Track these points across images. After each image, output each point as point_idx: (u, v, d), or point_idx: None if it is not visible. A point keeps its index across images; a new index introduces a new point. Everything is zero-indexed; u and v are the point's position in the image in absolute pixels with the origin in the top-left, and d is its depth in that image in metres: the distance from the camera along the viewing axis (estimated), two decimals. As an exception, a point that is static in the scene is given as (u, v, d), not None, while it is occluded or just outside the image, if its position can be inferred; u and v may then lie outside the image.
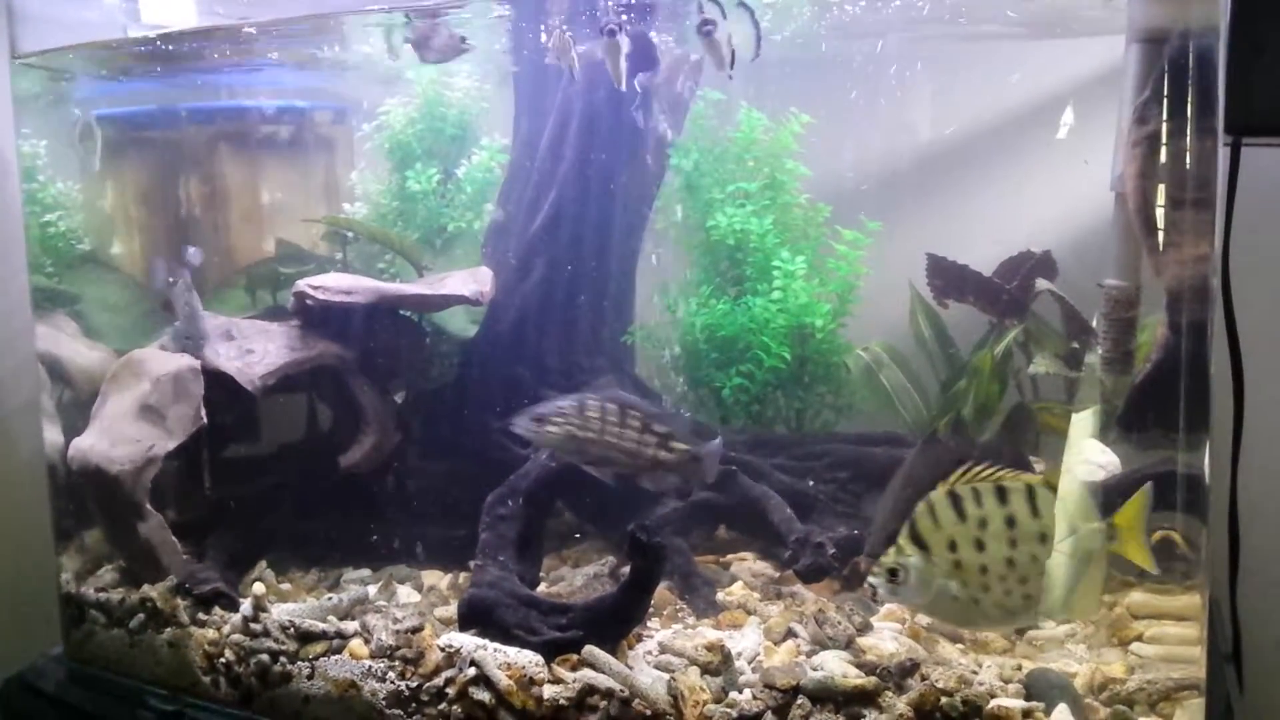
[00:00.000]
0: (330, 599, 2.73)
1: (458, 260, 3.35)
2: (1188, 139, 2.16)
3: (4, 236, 3.38)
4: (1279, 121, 2.23)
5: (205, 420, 2.80)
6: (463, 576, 2.88)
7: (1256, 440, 2.48)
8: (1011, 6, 2.73)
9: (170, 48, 3.20)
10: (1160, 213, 2.27)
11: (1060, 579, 2.57)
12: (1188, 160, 2.17)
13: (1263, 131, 2.19)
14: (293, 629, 2.55)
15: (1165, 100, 2.21)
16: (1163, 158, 2.24)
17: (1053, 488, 1.96)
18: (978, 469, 1.98)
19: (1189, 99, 2.11)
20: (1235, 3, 2.03)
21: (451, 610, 2.61)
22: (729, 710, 2.14)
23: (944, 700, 2.04)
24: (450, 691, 2.32)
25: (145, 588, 2.76)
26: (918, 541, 2.00)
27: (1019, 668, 2.22)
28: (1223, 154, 2.20)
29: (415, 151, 3.46)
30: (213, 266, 3.45)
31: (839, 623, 2.38)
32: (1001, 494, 1.96)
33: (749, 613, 2.59)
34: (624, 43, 2.53)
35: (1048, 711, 2.04)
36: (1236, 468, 2.49)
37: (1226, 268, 2.32)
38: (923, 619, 2.51)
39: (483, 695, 2.27)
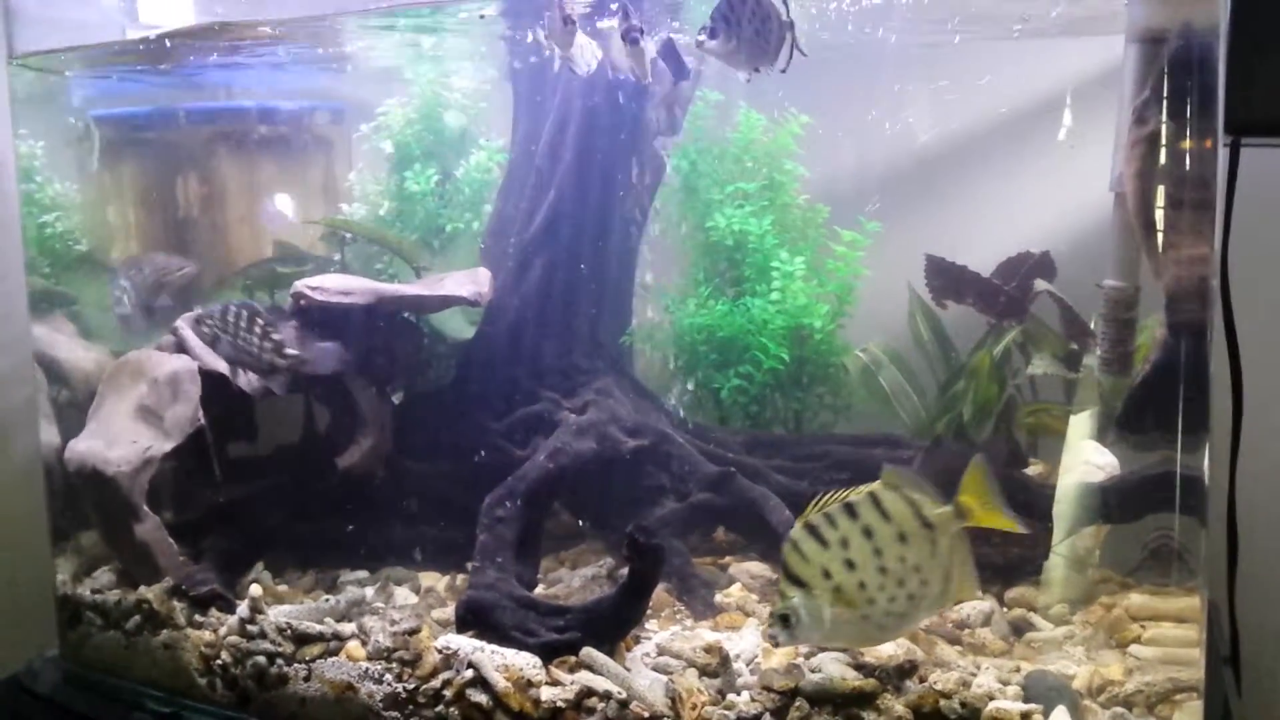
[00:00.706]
0: (327, 601, 2.73)
1: (456, 261, 3.34)
2: (1187, 139, 2.15)
3: (1, 238, 3.37)
4: (1279, 121, 2.23)
5: (202, 421, 2.80)
6: (460, 578, 2.88)
7: (1255, 442, 2.48)
8: (1011, 5, 2.72)
9: (169, 46, 3.19)
10: (1159, 213, 2.27)
11: (1058, 579, 2.57)
12: (1187, 161, 2.16)
13: (1263, 131, 2.18)
14: (289, 631, 2.55)
15: (1164, 100, 2.20)
16: (1162, 158, 2.24)
17: (893, 487, 1.99)
18: (824, 497, 2.02)
19: (1188, 99, 2.11)
20: (1235, 2, 2.02)
21: (449, 612, 2.61)
22: (727, 712, 2.14)
23: (942, 702, 2.04)
24: (447, 693, 2.31)
25: (142, 589, 2.75)
26: (795, 581, 2.02)
27: (1017, 670, 2.22)
28: (1222, 154, 2.19)
29: (414, 152, 3.46)
30: (210, 267, 3.44)
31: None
32: (850, 510, 1.99)
33: (747, 614, 2.59)
34: (649, 48, 2.49)
35: (1046, 714, 2.03)
36: (1235, 469, 2.49)
37: (1226, 268, 2.31)
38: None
39: (480, 697, 2.26)
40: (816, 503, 2.02)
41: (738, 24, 2.23)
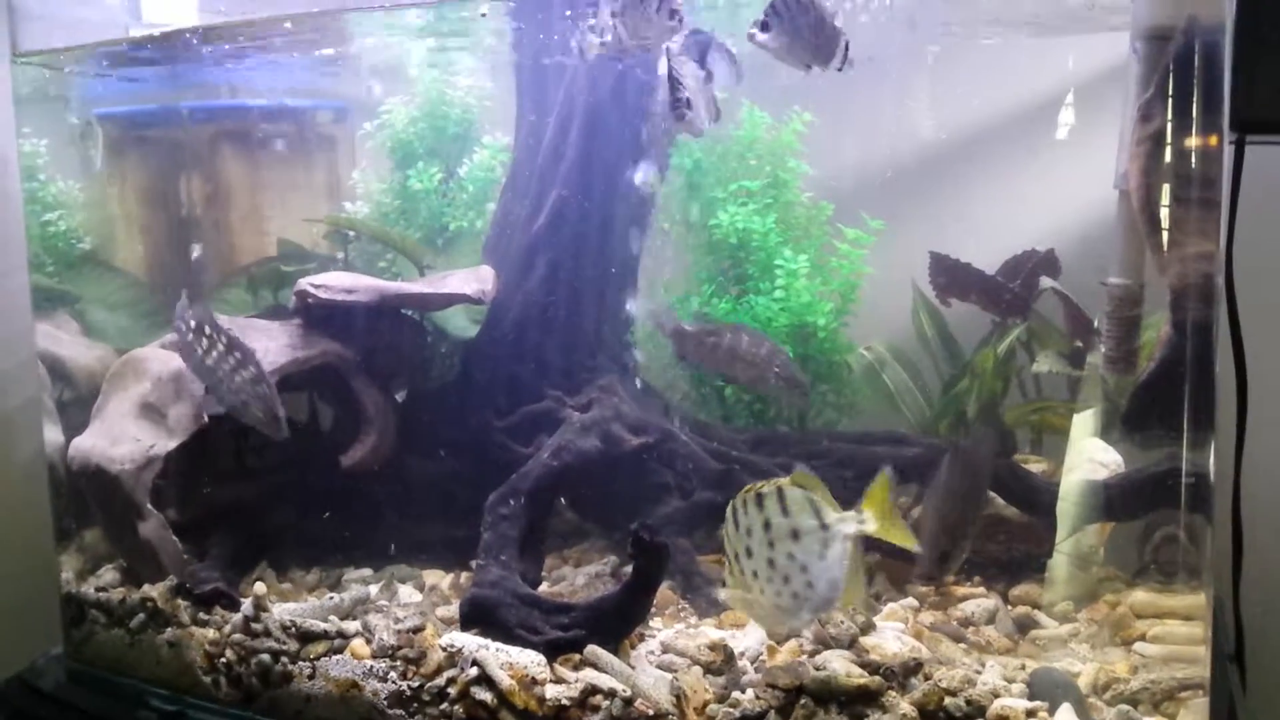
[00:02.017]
0: (331, 599, 2.73)
1: (460, 260, 3.34)
2: (1192, 136, 2.15)
3: (4, 235, 3.37)
4: (1284, 119, 2.22)
5: (206, 419, 2.80)
6: (464, 576, 2.88)
7: (1260, 439, 2.48)
8: (1017, 4, 2.72)
9: (172, 45, 3.19)
10: (1164, 211, 2.26)
11: (1062, 576, 2.57)
12: (1192, 158, 2.16)
13: (1267, 129, 2.18)
14: (294, 629, 2.55)
15: (1170, 98, 2.20)
16: (1167, 156, 2.23)
17: (800, 486, 2.01)
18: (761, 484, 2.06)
19: (1194, 96, 2.11)
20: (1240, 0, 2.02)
21: (453, 610, 2.61)
22: (731, 710, 2.14)
23: (948, 700, 2.04)
24: (452, 691, 2.31)
25: (146, 587, 2.75)
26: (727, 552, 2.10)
27: (1023, 667, 2.22)
28: (1227, 151, 2.19)
29: (417, 150, 3.46)
30: (214, 265, 3.45)
31: (842, 622, 2.37)
32: (759, 500, 2.02)
33: (751, 612, 2.59)
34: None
35: (1051, 711, 2.03)
36: (1240, 466, 2.49)
37: (1230, 266, 2.31)
38: (925, 619, 2.51)
39: (485, 695, 2.26)
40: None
41: (791, 20, 2.24)
